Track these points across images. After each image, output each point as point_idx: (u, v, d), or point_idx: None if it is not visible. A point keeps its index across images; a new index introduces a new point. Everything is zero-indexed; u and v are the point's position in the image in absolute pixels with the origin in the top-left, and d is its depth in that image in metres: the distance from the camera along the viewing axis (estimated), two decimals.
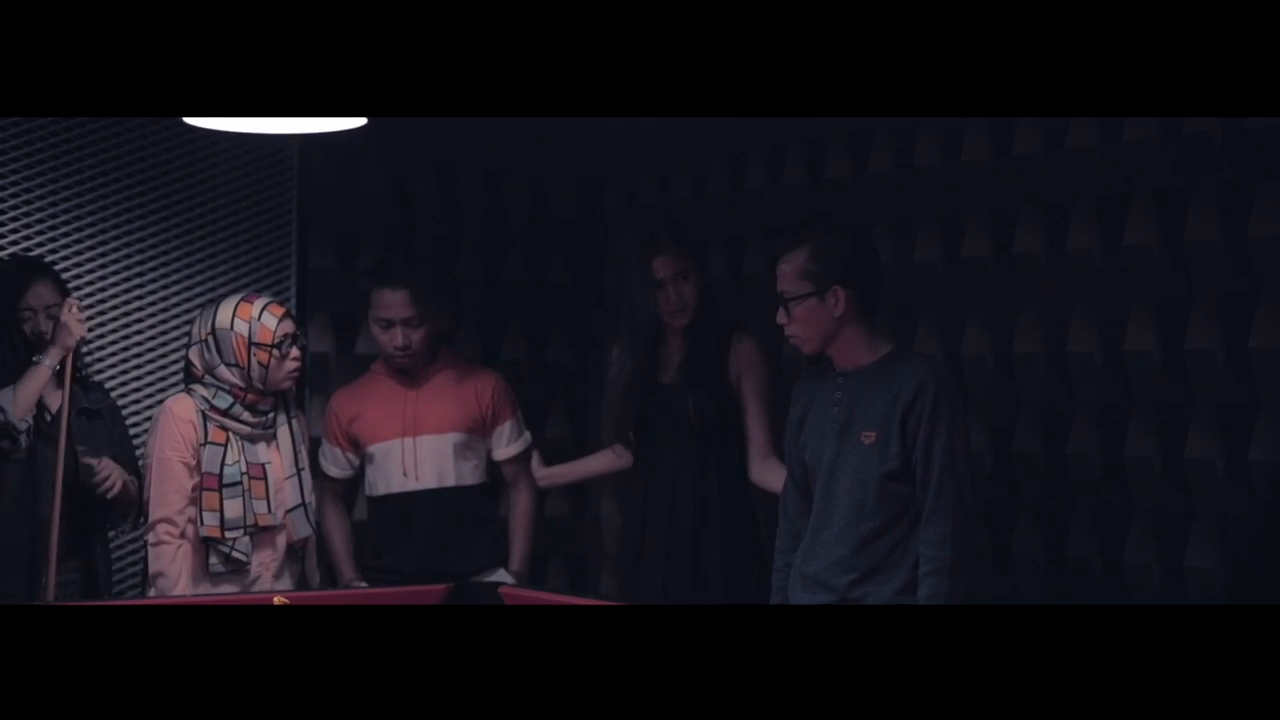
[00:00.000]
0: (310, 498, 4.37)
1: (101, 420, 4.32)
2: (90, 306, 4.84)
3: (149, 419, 4.72)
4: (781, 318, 3.74)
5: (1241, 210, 3.86)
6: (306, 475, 4.37)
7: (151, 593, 4.16)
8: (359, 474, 4.66)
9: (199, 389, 4.26)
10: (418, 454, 4.52)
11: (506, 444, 4.65)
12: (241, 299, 4.28)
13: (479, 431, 4.60)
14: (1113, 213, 4.13)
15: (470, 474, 4.59)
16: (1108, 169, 4.14)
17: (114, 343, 4.88)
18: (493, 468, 4.67)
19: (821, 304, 3.69)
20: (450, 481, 4.55)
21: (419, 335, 4.51)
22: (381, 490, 4.58)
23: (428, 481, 4.53)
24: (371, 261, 5.06)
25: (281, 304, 4.37)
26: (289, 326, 4.28)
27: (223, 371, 4.23)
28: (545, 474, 4.70)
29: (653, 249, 4.34)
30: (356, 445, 4.60)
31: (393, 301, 4.49)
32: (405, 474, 4.53)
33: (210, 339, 4.23)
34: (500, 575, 4.52)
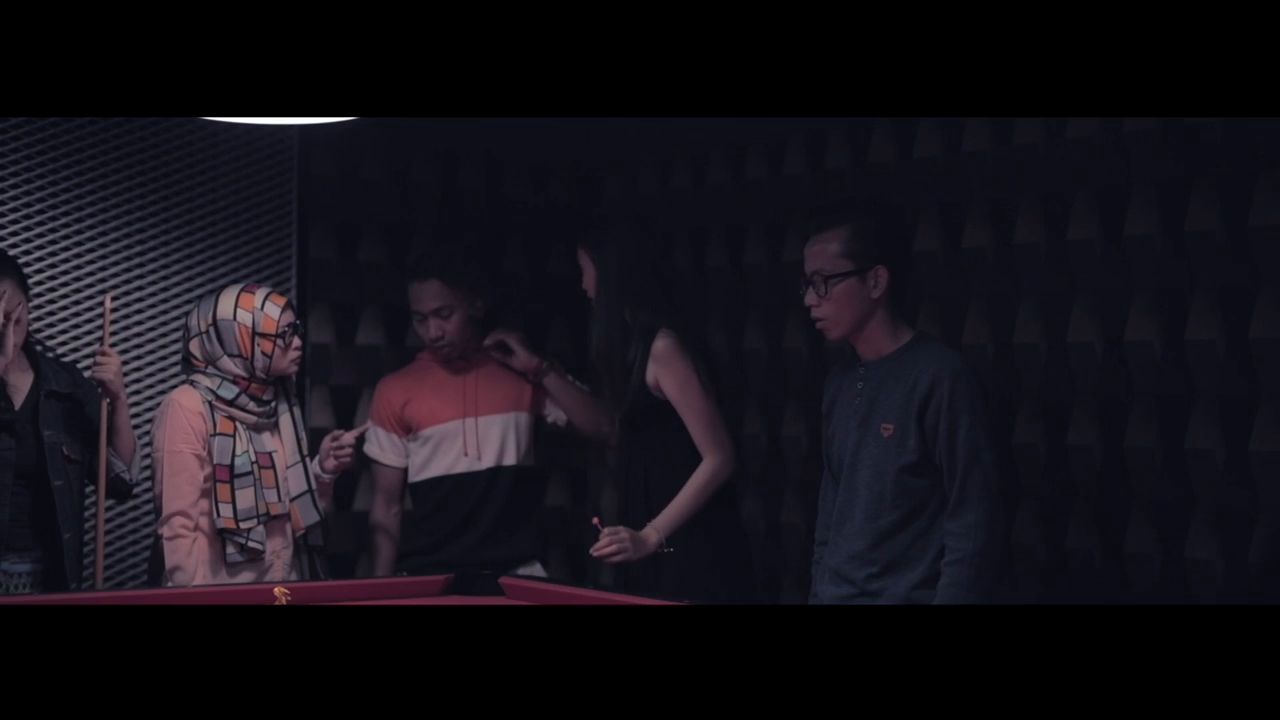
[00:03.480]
0: (315, 484, 4.38)
1: (71, 403, 4.23)
2: (91, 298, 4.84)
3: (151, 410, 4.73)
4: (811, 298, 3.70)
5: (1242, 201, 3.86)
6: (310, 462, 4.39)
7: (169, 586, 4.15)
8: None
9: (202, 380, 4.27)
10: (479, 434, 4.57)
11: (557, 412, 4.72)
12: (242, 289, 4.30)
13: (533, 411, 4.67)
14: (1113, 203, 4.13)
15: (526, 455, 4.65)
16: (1108, 159, 4.14)
17: (114, 334, 4.88)
18: (539, 452, 4.74)
19: (862, 284, 3.66)
20: (510, 460, 4.61)
21: (451, 325, 4.56)
22: (436, 473, 4.61)
23: (489, 461, 4.59)
24: (414, 254, 5.13)
25: (282, 293, 4.38)
26: (291, 316, 4.31)
27: (225, 362, 4.25)
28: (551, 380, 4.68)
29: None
30: (409, 430, 4.63)
31: (421, 294, 4.57)
32: (467, 454, 4.57)
33: (212, 330, 4.24)
34: (535, 569, 4.58)
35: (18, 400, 4.13)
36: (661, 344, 4.26)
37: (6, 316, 4.05)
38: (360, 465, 4.86)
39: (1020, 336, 4.32)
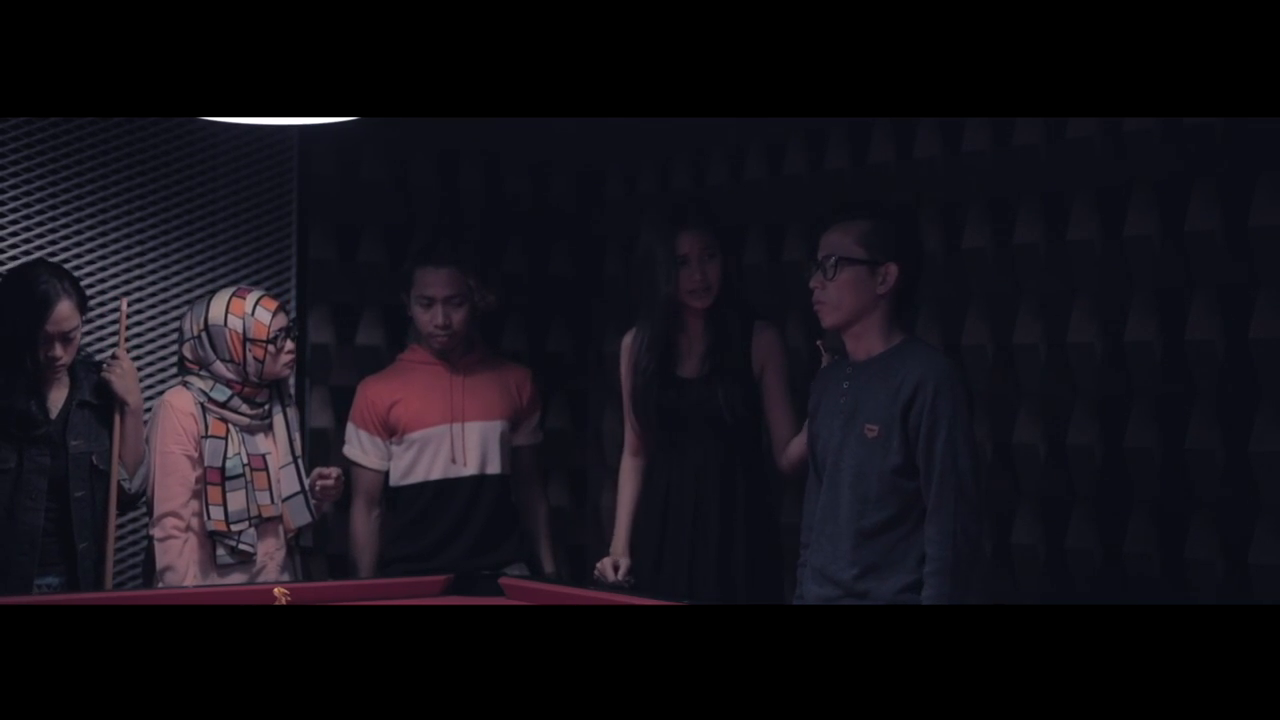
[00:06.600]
0: (308, 485, 4.37)
1: (103, 410, 4.23)
2: (90, 299, 4.83)
3: (149, 411, 4.72)
4: (817, 281, 3.69)
5: (1242, 201, 3.86)
6: (302, 463, 4.39)
7: (160, 587, 4.15)
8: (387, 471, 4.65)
9: (196, 381, 4.28)
10: (466, 440, 4.54)
11: (531, 434, 4.73)
12: (233, 294, 4.30)
13: (515, 422, 4.66)
14: (1113, 203, 4.13)
15: (507, 464, 4.64)
16: (1108, 159, 4.14)
17: (114, 334, 4.88)
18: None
19: (871, 276, 3.64)
20: (494, 469, 4.59)
21: (459, 315, 4.52)
22: (420, 477, 4.57)
23: (473, 467, 4.56)
24: (418, 245, 5.07)
25: (274, 297, 4.37)
26: (283, 320, 4.29)
27: (218, 367, 4.25)
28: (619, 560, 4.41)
29: (680, 224, 4.19)
30: (393, 433, 4.60)
31: (434, 280, 4.50)
32: (454, 460, 4.55)
33: (204, 335, 4.25)
34: (521, 569, 4.55)
35: (54, 413, 4.15)
36: (772, 333, 4.28)
37: (50, 337, 4.06)
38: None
39: (1020, 337, 4.32)
